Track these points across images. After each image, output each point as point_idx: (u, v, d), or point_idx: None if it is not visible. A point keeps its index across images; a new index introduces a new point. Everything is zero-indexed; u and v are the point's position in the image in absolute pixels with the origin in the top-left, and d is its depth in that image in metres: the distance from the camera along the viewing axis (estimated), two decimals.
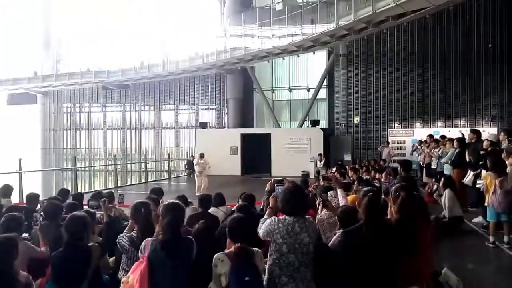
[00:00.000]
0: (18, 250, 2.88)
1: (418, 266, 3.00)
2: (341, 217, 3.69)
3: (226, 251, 2.95)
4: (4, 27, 28.01)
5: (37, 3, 27.07)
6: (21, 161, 11.51)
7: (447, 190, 7.14)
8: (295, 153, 17.77)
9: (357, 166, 12.30)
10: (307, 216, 3.05)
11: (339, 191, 4.69)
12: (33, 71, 24.59)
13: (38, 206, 5.32)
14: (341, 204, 4.41)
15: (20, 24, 27.81)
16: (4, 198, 5.96)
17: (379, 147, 17.26)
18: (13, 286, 2.66)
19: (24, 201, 5.94)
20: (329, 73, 20.17)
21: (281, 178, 5.72)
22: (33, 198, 5.55)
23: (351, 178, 8.59)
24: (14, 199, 7.06)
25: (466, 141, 9.15)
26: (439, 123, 17.88)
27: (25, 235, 3.98)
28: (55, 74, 23.74)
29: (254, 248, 2.95)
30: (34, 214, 4.29)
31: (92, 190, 15.83)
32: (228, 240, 2.99)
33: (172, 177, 19.58)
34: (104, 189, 13.24)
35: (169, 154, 21.60)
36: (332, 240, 3.58)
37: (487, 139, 7.89)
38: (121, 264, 3.50)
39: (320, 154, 16.70)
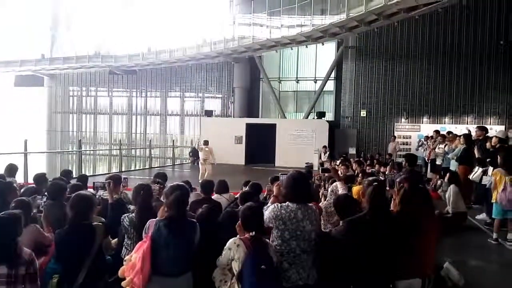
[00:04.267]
0: (22, 227, 2.90)
1: (420, 257, 2.98)
2: (335, 204, 3.70)
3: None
4: (12, 8, 28.01)
5: None
6: (26, 142, 11.58)
7: (451, 186, 7.10)
8: (300, 144, 17.76)
9: (361, 159, 12.28)
10: (309, 204, 3.04)
11: (338, 183, 4.77)
12: (40, 53, 24.62)
13: None
14: None
15: (28, 6, 27.79)
16: (9, 177, 6.02)
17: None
18: (16, 261, 2.68)
19: (29, 181, 5.98)
20: (337, 65, 19.99)
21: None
22: (41, 178, 5.55)
23: (356, 171, 8.61)
24: (19, 178, 7.13)
25: (473, 138, 9.09)
26: (446, 119, 17.71)
27: None
28: (63, 57, 23.73)
29: (266, 240, 2.92)
30: (37, 198, 4.28)
31: (97, 173, 15.97)
32: (238, 228, 2.95)
33: (176, 164, 19.63)
34: (108, 173, 13.36)
35: (173, 141, 21.64)
36: (334, 228, 3.59)
37: (495, 136, 7.81)
38: (124, 244, 3.53)
39: (324, 147, 16.71)
